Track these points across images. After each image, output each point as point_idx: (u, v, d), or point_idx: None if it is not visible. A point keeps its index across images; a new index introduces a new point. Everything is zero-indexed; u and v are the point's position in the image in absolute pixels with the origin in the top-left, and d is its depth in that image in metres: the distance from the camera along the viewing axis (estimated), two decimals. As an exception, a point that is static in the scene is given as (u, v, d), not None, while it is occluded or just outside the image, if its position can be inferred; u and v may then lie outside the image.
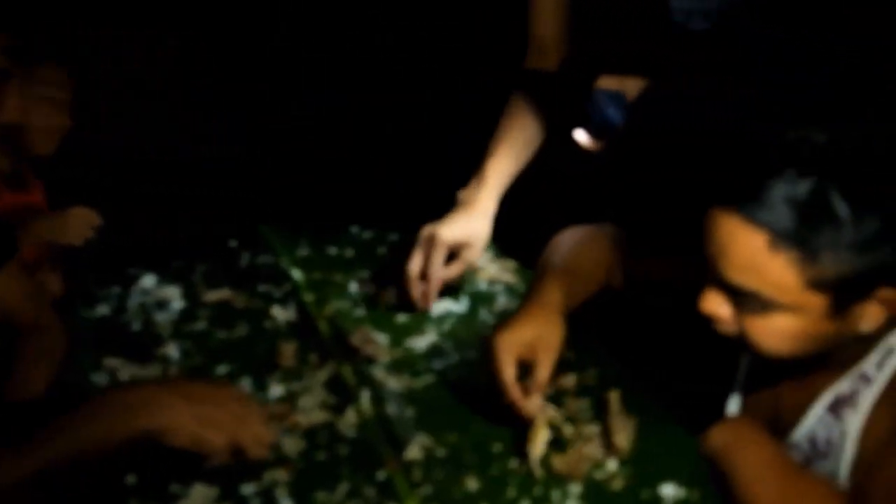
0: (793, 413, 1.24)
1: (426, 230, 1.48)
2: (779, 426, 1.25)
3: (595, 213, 1.53)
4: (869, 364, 1.14)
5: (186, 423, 0.96)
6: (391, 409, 1.27)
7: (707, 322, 1.39)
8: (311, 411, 1.26)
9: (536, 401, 1.17)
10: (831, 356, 1.15)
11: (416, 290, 1.48)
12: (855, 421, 1.14)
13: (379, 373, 1.35)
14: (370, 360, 1.37)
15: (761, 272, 1.04)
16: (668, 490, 1.14)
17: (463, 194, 1.54)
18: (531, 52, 1.60)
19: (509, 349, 1.17)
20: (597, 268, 1.39)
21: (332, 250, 1.71)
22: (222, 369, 1.35)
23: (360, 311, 1.52)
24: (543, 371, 1.18)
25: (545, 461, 1.17)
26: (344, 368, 1.35)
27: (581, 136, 1.85)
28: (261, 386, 1.32)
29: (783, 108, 1.45)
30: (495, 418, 1.24)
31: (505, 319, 1.23)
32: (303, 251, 1.70)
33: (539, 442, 1.16)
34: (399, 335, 1.45)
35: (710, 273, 1.11)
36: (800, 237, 1.01)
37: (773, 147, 1.06)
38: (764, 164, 1.03)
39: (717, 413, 1.34)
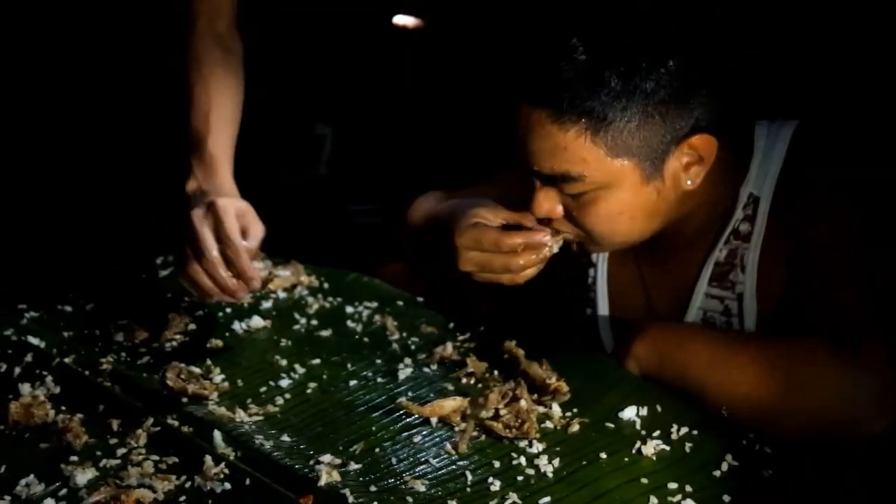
0: (671, 303, 1.15)
1: (198, 210, 1.11)
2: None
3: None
4: (736, 220, 1.08)
5: None
6: (261, 440, 0.95)
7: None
8: (152, 481, 0.90)
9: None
10: (680, 234, 1.09)
11: (224, 276, 1.10)
12: (748, 281, 1.08)
13: (217, 409, 1.01)
14: (199, 399, 1.03)
15: (560, 150, 0.98)
16: (630, 413, 0.97)
17: (193, 185, 1.18)
18: None
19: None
20: None
21: (67, 308, 1.31)
22: None
23: (146, 358, 1.16)
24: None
25: (490, 434, 0.95)
26: (168, 420, 1.00)
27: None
28: (57, 478, 0.92)
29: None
30: (388, 401, 1.02)
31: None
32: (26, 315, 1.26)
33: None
34: (213, 365, 1.12)
35: (528, 172, 1.03)
36: (578, 106, 0.96)
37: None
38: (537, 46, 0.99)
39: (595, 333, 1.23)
